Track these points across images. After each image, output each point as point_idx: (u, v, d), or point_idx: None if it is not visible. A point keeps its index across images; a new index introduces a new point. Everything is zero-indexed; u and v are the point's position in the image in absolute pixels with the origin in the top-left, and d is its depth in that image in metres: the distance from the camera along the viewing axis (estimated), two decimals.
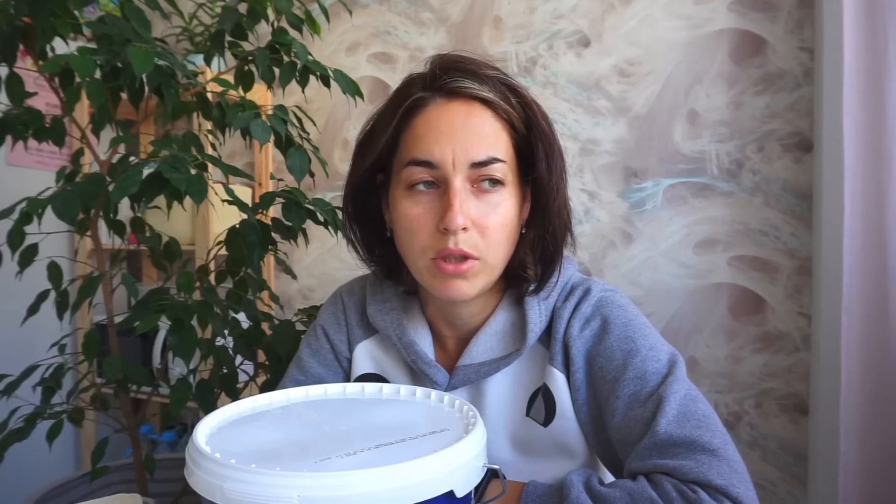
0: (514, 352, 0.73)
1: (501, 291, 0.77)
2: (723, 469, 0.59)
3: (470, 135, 0.66)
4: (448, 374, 0.76)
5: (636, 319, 0.72)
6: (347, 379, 0.83)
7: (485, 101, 0.68)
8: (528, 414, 0.73)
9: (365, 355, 0.81)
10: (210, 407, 1.11)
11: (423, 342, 0.77)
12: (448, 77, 0.68)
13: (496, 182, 0.68)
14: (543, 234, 0.72)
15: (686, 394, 0.65)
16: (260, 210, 1.21)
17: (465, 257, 0.67)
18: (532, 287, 0.74)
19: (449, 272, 0.67)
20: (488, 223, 0.67)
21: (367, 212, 0.77)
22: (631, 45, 1.61)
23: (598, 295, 0.73)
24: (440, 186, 0.68)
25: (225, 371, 1.21)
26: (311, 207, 1.20)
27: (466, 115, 0.67)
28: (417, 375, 0.78)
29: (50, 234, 1.17)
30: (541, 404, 0.73)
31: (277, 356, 1.19)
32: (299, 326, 1.25)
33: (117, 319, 1.22)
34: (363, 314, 0.82)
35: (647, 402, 0.65)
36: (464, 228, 0.66)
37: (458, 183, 0.66)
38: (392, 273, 0.79)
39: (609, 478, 0.76)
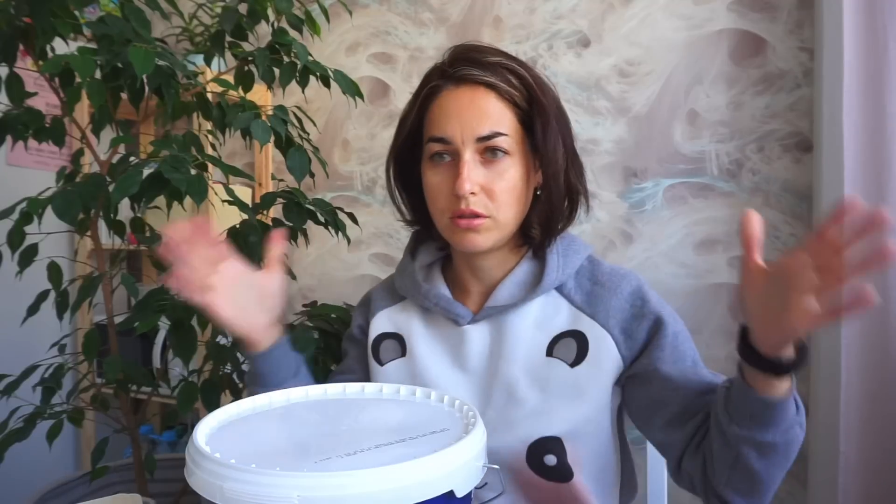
0: (532, 293, 0.82)
1: (521, 247, 0.87)
2: None
3: (475, 114, 0.77)
4: (470, 311, 0.85)
5: (677, 317, 0.84)
6: (368, 342, 0.92)
7: (488, 85, 0.78)
8: (549, 355, 0.81)
9: (384, 318, 0.92)
10: (215, 407, 1.11)
11: (442, 290, 0.88)
12: (456, 67, 0.80)
13: (500, 152, 0.78)
14: (547, 195, 0.82)
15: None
16: (260, 210, 1.21)
17: (476, 216, 0.77)
18: (540, 242, 0.84)
19: (462, 227, 0.78)
20: (495, 188, 0.78)
21: (409, 179, 0.88)
22: (631, 45, 1.61)
23: (653, 303, 0.82)
24: (454, 158, 0.79)
25: (227, 370, 1.21)
26: (312, 208, 1.20)
27: (471, 98, 0.78)
28: (434, 325, 0.88)
29: (50, 234, 1.17)
30: (571, 346, 0.80)
31: None
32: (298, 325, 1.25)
33: (117, 319, 1.22)
34: (390, 289, 0.94)
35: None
36: (472, 193, 0.77)
37: (468, 155, 0.77)
38: (430, 230, 0.90)
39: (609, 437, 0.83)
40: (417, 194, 0.88)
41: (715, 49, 1.52)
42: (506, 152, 0.78)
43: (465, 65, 0.79)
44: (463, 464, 0.51)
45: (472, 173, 0.77)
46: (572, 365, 0.79)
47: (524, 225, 0.83)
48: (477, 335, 0.84)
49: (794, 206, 1.47)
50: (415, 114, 0.83)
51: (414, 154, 0.86)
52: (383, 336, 0.90)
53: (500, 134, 0.77)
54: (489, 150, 0.78)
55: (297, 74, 1.18)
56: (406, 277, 0.90)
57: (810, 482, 1.37)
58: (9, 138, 1.13)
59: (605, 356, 0.79)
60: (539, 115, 0.79)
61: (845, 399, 1.22)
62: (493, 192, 0.78)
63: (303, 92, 1.22)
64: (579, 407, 0.78)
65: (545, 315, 0.83)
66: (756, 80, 1.49)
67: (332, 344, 1.23)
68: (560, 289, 0.84)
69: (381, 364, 0.88)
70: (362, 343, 0.94)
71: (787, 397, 0.64)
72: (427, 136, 0.81)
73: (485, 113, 0.77)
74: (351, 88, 1.20)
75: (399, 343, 0.89)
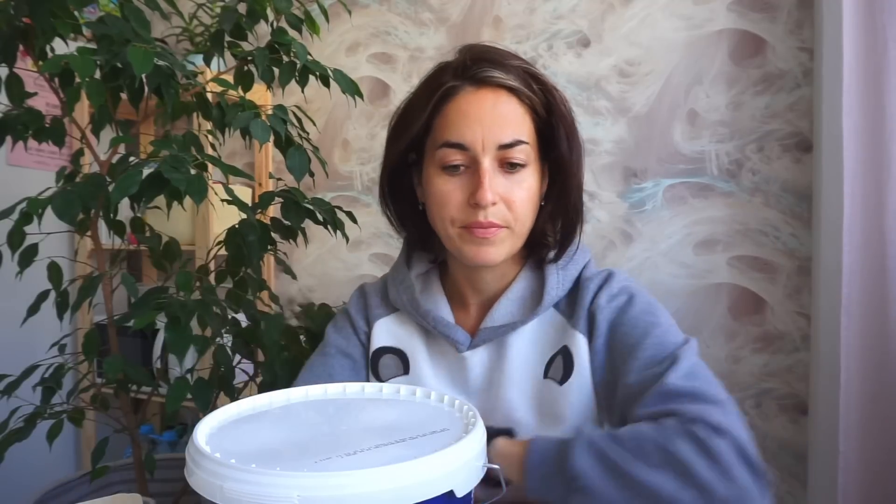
0: (531, 313, 0.79)
1: (523, 259, 0.84)
2: (727, 412, 0.62)
3: (497, 119, 0.73)
4: (469, 335, 0.81)
5: (657, 303, 0.79)
6: (366, 351, 0.88)
7: (510, 89, 0.74)
8: (546, 376, 0.78)
9: (384, 330, 0.87)
10: (206, 405, 1.11)
11: (442, 310, 0.84)
12: (477, 67, 0.74)
13: (520, 159, 0.74)
14: (565, 206, 0.79)
15: (698, 361, 0.70)
16: (259, 210, 1.21)
17: (494, 227, 0.74)
18: (552, 254, 0.81)
19: (479, 236, 0.74)
20: (514, 198, 0.74)
21: (400, 187, 0.84)
22: (631, 45, 1.61)
23: (624, 282, 0.80)
24: (470, 166, 0.74)
25: (223, 370, 1.21)
26: (311, 207, 1.20)
27: (494, 102, 0.74)
28: (436, 344, 0.84)
29: (50, 234, 1.17)
30: (559, 364, 0.78)
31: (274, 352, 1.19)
32: (294, 323, 1.25)
33: (117, 319, 1.22)
34: (384, 296, 0.90)
35: (662, 363, 0.70)
36: (493, 203, 0.73)
37: (487, 163, 0.73)
38: (423, 242, 0.87)
39: None
40: (409, 200, 0.84)
41: (715, 49, 1.52)
42: (525, 161, 0.74)
43: (488, 66, 0.74)
44: (463, 464, 0.51)
45: (493, 182, 0.73)
46: (561, 382, 0.77)
47: (528, 236, 0.80)
48: (476, 360, 0.81)
49: (794, 206, 1.47)
50: (425, 117, 0.77)
51: (408, 157, 0.81)
52: (383, 350, 0.86)
53: (522, 142, 0.74)
54: (509, 159, 0.74)
55: (297, 74, 1.18)
56: (403, 292, 0.86)
57: (810, 482, 1.37)
58: (9, 138, 1.13)
59: (584, 363, 0.77)
60: (562, 123, 0.76)
61: (845, 399, 1.22)
62: (513, 202, 0.74)
63: (302, 92, 1.22)
64: (568, 421, 0.76)
65: (542, 333, 0.80)
66: (756, 80, 1.49)
67: (317, 345, 1.23)
68: (555, 303, 0.81)
69: (381, 381, 0.86)
70: (357, 344, 0.88)
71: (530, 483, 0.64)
72: (440, 141, 0.75)
73: (507, 119, 0.73)
74: (351, 88, 1.20)
75: (400, 359, 0.85)
